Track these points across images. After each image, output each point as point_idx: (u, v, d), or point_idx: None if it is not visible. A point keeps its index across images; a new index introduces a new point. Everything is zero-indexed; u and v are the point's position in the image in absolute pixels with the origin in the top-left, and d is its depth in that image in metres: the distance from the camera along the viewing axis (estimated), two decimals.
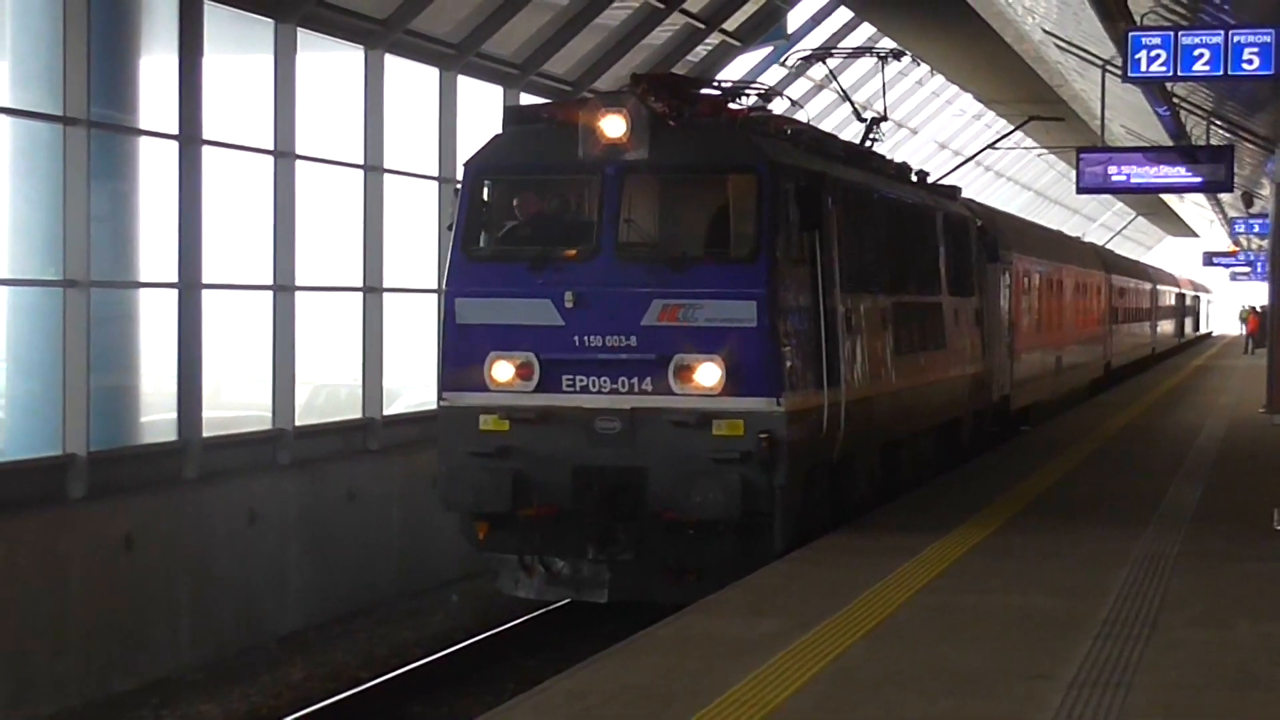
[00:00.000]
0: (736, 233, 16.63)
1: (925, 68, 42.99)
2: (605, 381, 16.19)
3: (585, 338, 16.21)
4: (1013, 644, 12.54)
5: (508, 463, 16.25)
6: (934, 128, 51.32)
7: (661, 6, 27.04)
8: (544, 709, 10.75)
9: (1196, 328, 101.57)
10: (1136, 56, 20.55)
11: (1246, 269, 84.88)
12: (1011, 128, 45.62)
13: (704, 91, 18.18)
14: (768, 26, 33.97)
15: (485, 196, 17.09)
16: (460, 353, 16.77)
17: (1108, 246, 68.44)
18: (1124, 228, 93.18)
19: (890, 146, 41.43)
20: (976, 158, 48.25)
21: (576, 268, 16.41)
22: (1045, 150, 56.01)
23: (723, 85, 19.84)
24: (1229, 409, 38.48)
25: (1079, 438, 29.80)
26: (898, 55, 30.59)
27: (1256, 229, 64.47)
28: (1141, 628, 13.12)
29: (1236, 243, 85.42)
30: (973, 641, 12.65)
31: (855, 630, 12.92)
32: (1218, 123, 39.65)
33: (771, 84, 35.04)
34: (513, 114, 17.88)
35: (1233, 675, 11.65)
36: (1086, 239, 62.09)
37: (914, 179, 24.99)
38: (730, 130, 17.11)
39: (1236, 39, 19.95)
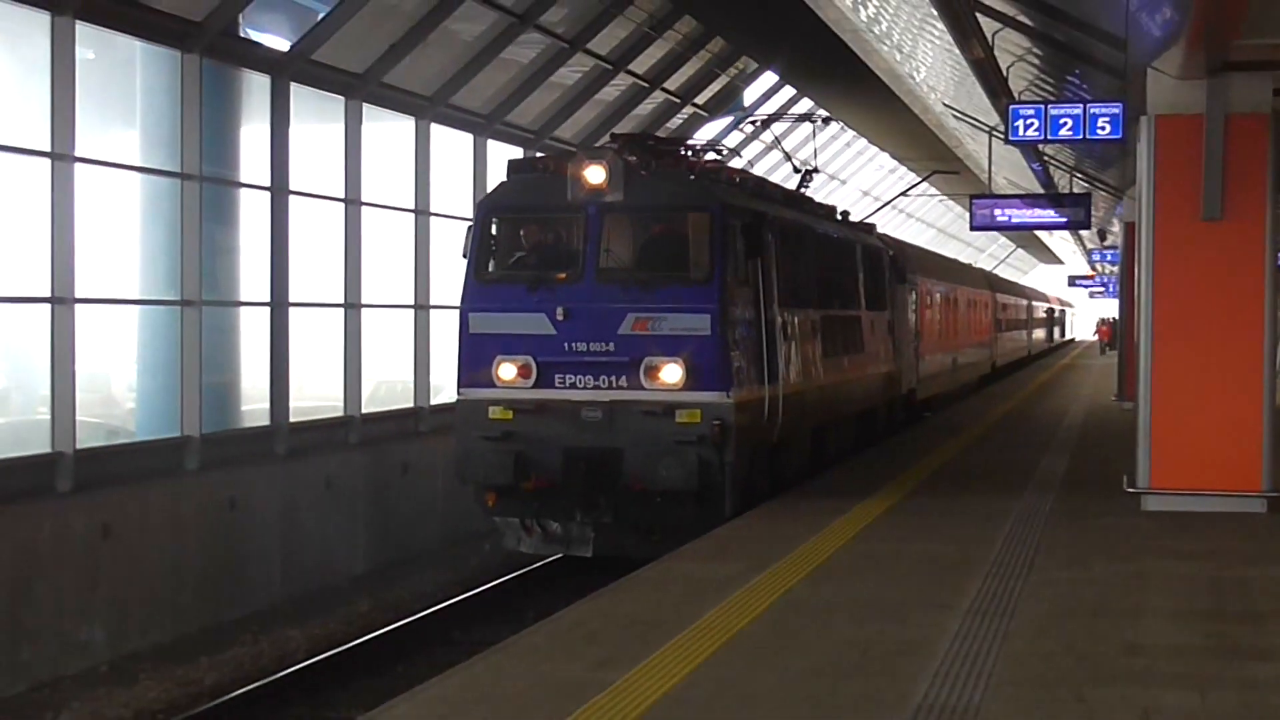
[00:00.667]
0: (693, 260, 16.63)
1: (851, 132, 43.25)
2: (589, 379, 16.20)
3: (573, 344, 16.25)
4: (921, 581, 12.65)
5: (511, 445, 16.27)
6: (859, 179, 51.27)
7: (609, 68, 26.73)
8: (555, 634, 10.84)
9: (1063, 334, 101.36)
10: (1015, 124, 20.53)
11: (1101, 289, 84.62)
12: (919, 179, 45.63)
13: (666, 149, 18.17)
14: (729, 100, 34.08)
15: (493, 231, 17.04)
16: (473, 357, 16.77)
17: (994, 271, 68.35)
18: (1007, 256, 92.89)
19: (824, 193, 41.51)
20: (892, 203, 48.31)
21: (565, 288, 16.42)
22: (945, 196, 55.93)
23: (684, 144, 19.71)
24: (1088, 398, 38.50)
25: (970, 422, 29.85)
26: (826, 121, 30.73)
27: (1109, 258, 64.31)
28: (1021, 568, 13.23)
29: (1093, 268, 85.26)
30: (891, 579, 12.74)
31: (799, 571, 13.02)
32: (1078, 175, 39.63)
33: (730, 145, 35.49)
34: (514, 165, 17.85)
35: (1091, 604, 11.78)
36: (978, 265, 61.96)
37: (839, 218, 25.08)
38: (689, 178, 17.14)
39: (1092, 111, 19.97)
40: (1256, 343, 16.63)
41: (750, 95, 35.73)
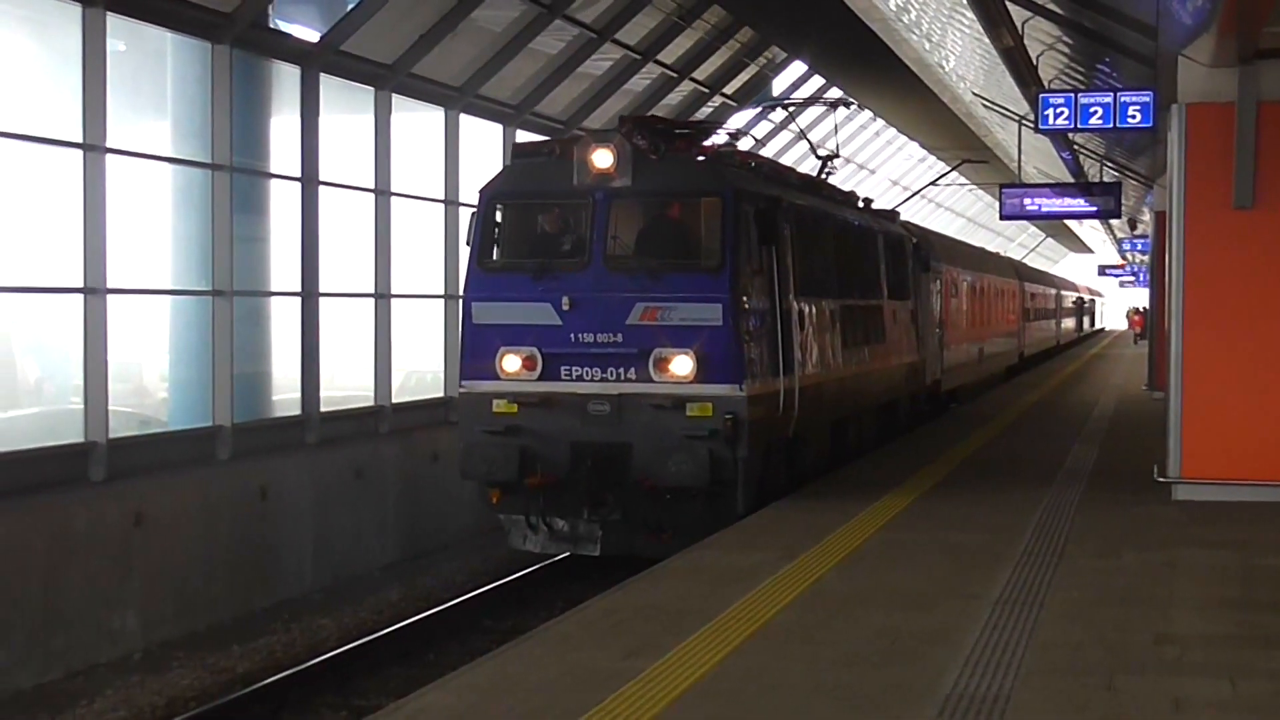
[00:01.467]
0: (705, 247, 16.16)
1: (880, 121, 43.17)
2: (596, 371, 15.75)
3: (579, 335, 15.75)
4: (950, 571, 12.65)
5: (516, 439, 15.85)
6: (888, 168, 51.18)
7: (639, 57, 26.48)
8: (585, 623, 10.85)
9: (1093, 324, 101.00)
10: (1045, 113, 20.55)
11: (1131, 278, 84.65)
12: (948, 168, 45.62)
13: (676, 131, 17.47)
14: (758, 89, 34.01)
15: (496, 218, 16.50)
16: (476, 348, 16.23)
17: (1024, 260, 68.21)
18: (1036, 246, 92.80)
19: (853, 182, 41.48)
20: (921, 192, 48.32)
21: (571, 277, 15.89)
22: (975, 185, 55.90)
23: (692, 124, 19.34)
24: (1119, 387, 38.45)
25: (999, 412, 29.81)
26: (846, 104, 30.52)
27: (1139, 247, 64.27)
28: (1051, 557, 13.23)
29: (1124, 258, 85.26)
30: (919, 569, 12.74)
31: (828, 561, 13.02)
32: (1109, 164, 39.57)
33: (759, 135, 35.33)
34: (519, 149, 17.39)
35: (1120, 593, 11.77)
36: (1007, 254, 61.83)
37: (860, 204, 24.57)
38: (700, 162, 16.71)
39: (1123, 99, 19.97)
40: None
41: (780, 84, 35.67)
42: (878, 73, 31.48)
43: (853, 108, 37.49)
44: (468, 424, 16.23)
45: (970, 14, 20.26)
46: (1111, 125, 19.47)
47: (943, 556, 13.32)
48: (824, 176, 23.42)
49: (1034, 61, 22.96)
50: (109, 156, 15.99)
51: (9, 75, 16.61)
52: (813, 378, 18.23)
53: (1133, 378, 41.29)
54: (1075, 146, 34.85)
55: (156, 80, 18.28)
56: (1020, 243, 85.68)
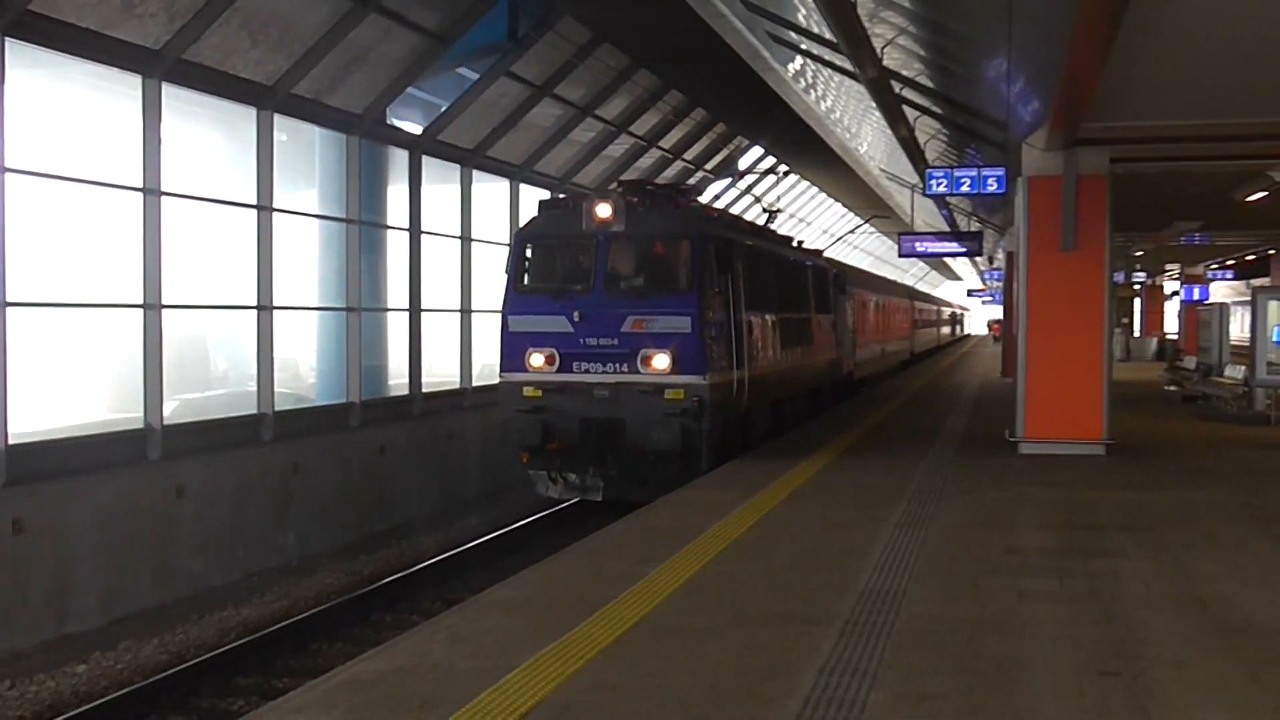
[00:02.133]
0: (679, 275, 15.95)
1: (815, 187, 43.18)
2: (599, 366, 15.55)
3: (586, 340, 15.58)
4: (863, 504, 12.68)
5: (540, 416, 15.64)
6: (821, 220, 51.06)
7: (614, 128, 25.09)
8: (608, 540, 10.91)
9: (963, 330, 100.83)
10: (930, 182, 20.45)
11: (990, 298, 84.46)
12: (863, 220, 45.71)
13: (659, 191, 17.41)
14: (730, 163, 34.03)
15: (527, 254, 16.28)
16: (512, 349, 15.92)
17: (914, 286, 68.08)
18: (924, 276, 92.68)
19: (793, 230, 41.41)
20: (842, 238, 48.35)
21: (581, 298, 15.71)
22: (881, 233, 55.90)
23: (671, 186, 19.21)
24: (981, 375, 38.46)
25: (894, 395, 29.84)
26: (787, 173, 30.11)
27: (995, 276, 64.12)
28: (933, 494, 13.29)
29: (985, 283, 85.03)
30: (842, 502, 12.80)
31: (777, 497, 13.09)
32: (974, 217, 39.63)
33: (728, 199, 35.41)
34: (544, 204, 16.94)
35: (981, 518, 11.85)
36: (903, 281, 61.71)
37: (795, 245, 24.32)
38: (675, 213, 16.47)
39: (984, 173, 19.88)
40: (1098, 336, 16.75)
41: (745, 161, 35.55)
42: (813, 153, 31.50)
43: (792, 176, 37.50)
44: (506, 405, 15.94)
45: (878, 113, 20.28)
46: (976, 191, 19.43)
47: (858, 494, 13.36)
48: (768, 224, 23.36)
49: (922, 146, 22.96)
50: (275, 215, 16.09)
51: (207, 159, 16.79)
52: (759, 370, 17.93)
53: (991, 369, 41.32)
54: (951, 205, 34.90)
55: (308, 160, 18.31)
56: (912, 273, 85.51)
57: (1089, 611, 8.22)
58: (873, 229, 52.58)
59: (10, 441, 11.92)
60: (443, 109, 20.04)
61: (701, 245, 15.89)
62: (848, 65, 16.67)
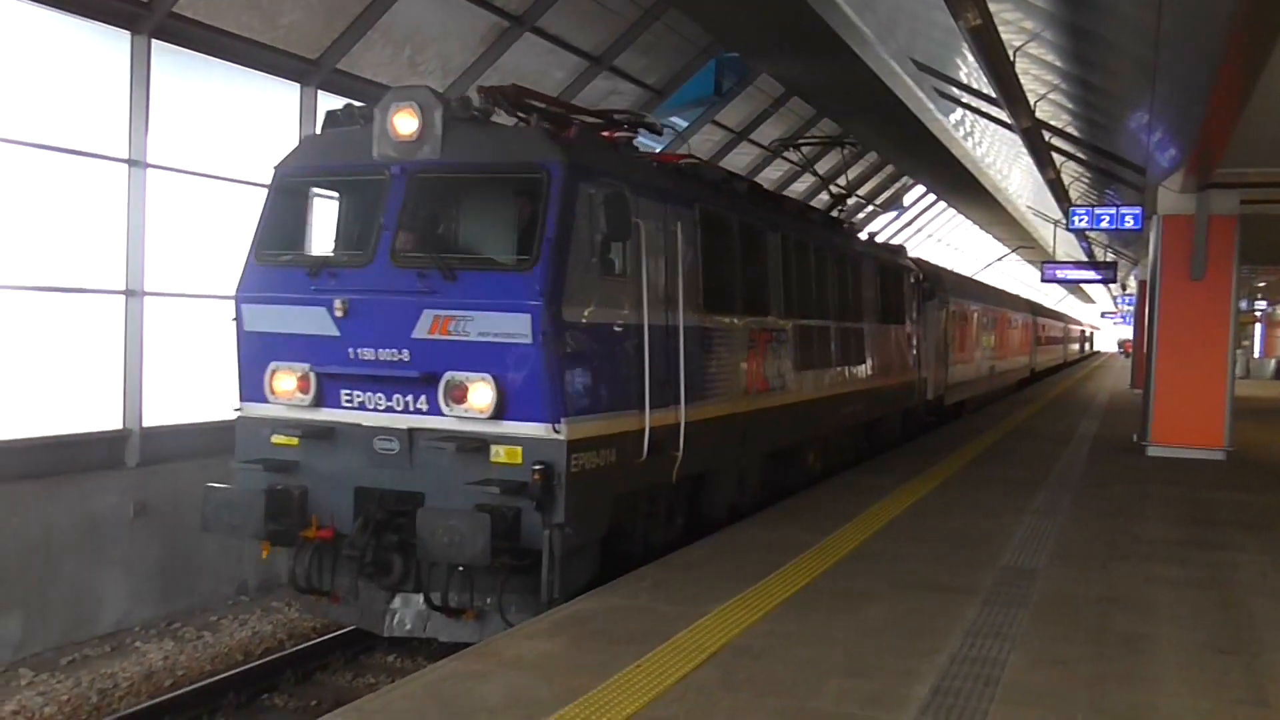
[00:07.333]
0: (514, 238, 7.83)
1: (970, 220, 42.06)
2: (381, 398, 7.55)
3: (357, 350, 7.57)
4: (1005, 494, 12.22)
5: (286, 481, 7.86)
6: (974, 250, 49.34)
7: (799, 168, 22.42)
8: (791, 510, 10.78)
9: (1091, 348, 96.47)
10: (1072, 218, 19.94)
11: (1120, 320, 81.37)
12: (1008, 250, 44.30)
13: (555, 109, 8.21)
14: (896, 199, 33.36)
15: (284, 199, 8.23)
16: (249, 361, 7.99)
17: (1054, 306, 65.42)
18: (1062, 299, 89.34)
19: (945, 256, 40.28)
20: (990, 265, 46.94)
21: (352, 274, 7.61)
22: (1026, 260, 54.19)
23: (604, 113, 9.01)
24: (1110, 387, 36.94)
25: (1036, 399, 28.81)
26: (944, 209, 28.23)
27: (1127, 301, 61.71)
28: (1068, 487, 12.78)
29: (1116, 307, 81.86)
30: (986, 492, 12.32)
31: (929, 485, 12.77)
32: (1110, 249, 38.15)
33: (877, 227, 34.00)
34: (331, 117, 8.32)
35: (1111, 510, 11.38)
36: (1048, 306, 58.80)
37: (867, 238, 15.86)
38: (524, 129, 7.75)
39: (1123, 211, 19.32)
40: (1222, 356, 16.05)
41: (910, 197, 34.84)
42: (969, 191, 30.79)
43: (950, 210, 36.40)
44: (246, 456, 7.98)
45: (1028, 158, 19.67)
46: (1115, 227, 18.78)
47: (1000, 485, 12.95)
48: (838, 212, 17.05)
49: (1067, 187, 22.18)
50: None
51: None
52: (731, 406, 9.66)
53: (1120, 381, 39.60)
54: (1089, 238, 33.64)
55: None
56: (1052, 297, 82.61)
57: (1210, 596, 7.79)
58: (1019, 258, 50.92)
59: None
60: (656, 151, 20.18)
61: (570, 185, 7.38)
62: (1003, 116, 16.20)
